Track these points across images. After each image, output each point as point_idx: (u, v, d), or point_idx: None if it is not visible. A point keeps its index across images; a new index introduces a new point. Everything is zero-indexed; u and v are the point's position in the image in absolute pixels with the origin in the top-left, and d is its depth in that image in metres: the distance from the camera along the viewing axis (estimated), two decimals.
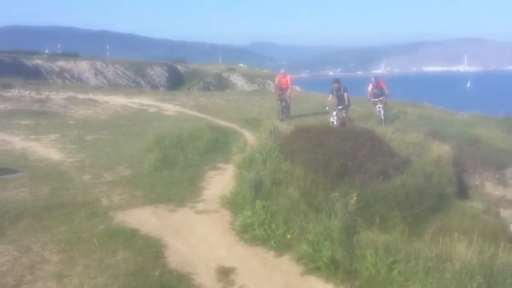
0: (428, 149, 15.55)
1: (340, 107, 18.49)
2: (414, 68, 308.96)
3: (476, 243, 7.29)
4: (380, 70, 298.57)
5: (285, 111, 21.97)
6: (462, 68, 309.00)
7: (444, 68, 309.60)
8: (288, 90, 22.59)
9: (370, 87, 21.52)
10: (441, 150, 15.60)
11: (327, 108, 18.45)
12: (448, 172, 14.37)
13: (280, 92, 22.19)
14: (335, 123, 17.69)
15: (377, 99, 21.17)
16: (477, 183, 17.32)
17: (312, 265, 7.49)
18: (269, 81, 61.25)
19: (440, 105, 36.99)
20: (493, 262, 6.76)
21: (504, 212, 15.36)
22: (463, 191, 15.31)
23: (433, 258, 6.81)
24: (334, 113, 18.17)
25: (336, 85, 18.59)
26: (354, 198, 9.19)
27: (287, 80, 22.62)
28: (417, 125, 20.70)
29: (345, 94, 18.89)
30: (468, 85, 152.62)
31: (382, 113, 20.81)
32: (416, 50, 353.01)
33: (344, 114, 18.46)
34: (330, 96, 18.72)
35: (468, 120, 24.92)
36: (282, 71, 24.25)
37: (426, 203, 10.70)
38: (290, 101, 22.60)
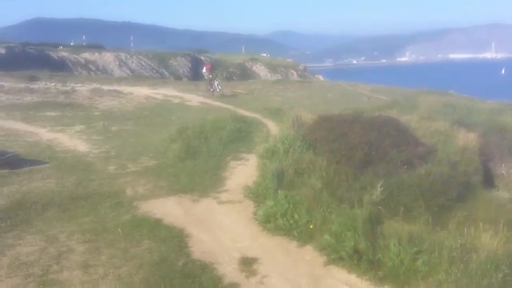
0: (454, 137, 15.33)
1: None
2: (439, 56, 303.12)
3: (502, 233, 7.16)
4: (405, 58, 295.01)
5: None
6: (489, 55, 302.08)
7: (471, 55, 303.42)
8: None
9: None
10: (467, 138, 15.35)
11: None
12: (474, 161, 14.11)
13: None
14: None
15: None
16: (503, 172, 16.97)
17: (335, 255, 7.46)
18: (292, 71, 60.96)
19: (466, 93, 36.50)
20: None
21: None
22: (489, 180, 15.03)
23: (457, 248, 6.72)
24: None
25: None
26: (379, 188, 9.11)
27: None
28: (443, 113, 20.43)
29: None
30: (503, 72, 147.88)
31: None
32: (441, 37, 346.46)
33: None
34: None
35: (495, 108, 24.49)
36: None
37: (451, 193, 10.55)
38: None
